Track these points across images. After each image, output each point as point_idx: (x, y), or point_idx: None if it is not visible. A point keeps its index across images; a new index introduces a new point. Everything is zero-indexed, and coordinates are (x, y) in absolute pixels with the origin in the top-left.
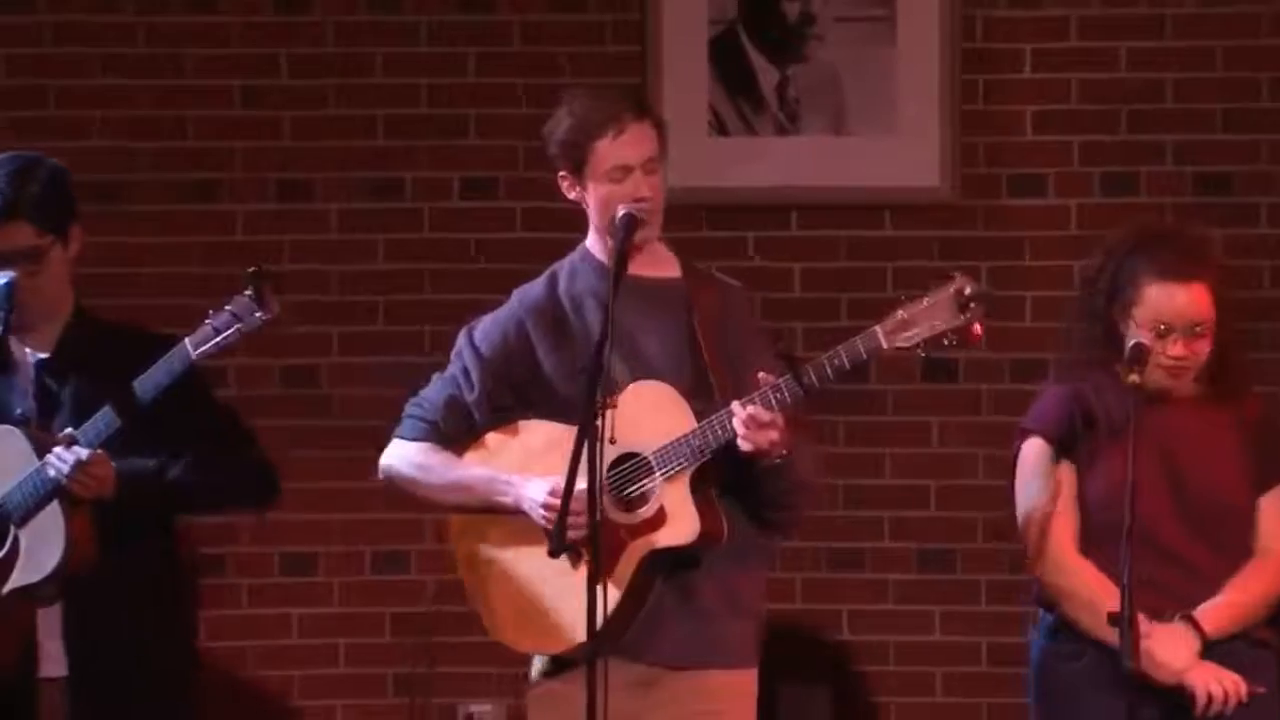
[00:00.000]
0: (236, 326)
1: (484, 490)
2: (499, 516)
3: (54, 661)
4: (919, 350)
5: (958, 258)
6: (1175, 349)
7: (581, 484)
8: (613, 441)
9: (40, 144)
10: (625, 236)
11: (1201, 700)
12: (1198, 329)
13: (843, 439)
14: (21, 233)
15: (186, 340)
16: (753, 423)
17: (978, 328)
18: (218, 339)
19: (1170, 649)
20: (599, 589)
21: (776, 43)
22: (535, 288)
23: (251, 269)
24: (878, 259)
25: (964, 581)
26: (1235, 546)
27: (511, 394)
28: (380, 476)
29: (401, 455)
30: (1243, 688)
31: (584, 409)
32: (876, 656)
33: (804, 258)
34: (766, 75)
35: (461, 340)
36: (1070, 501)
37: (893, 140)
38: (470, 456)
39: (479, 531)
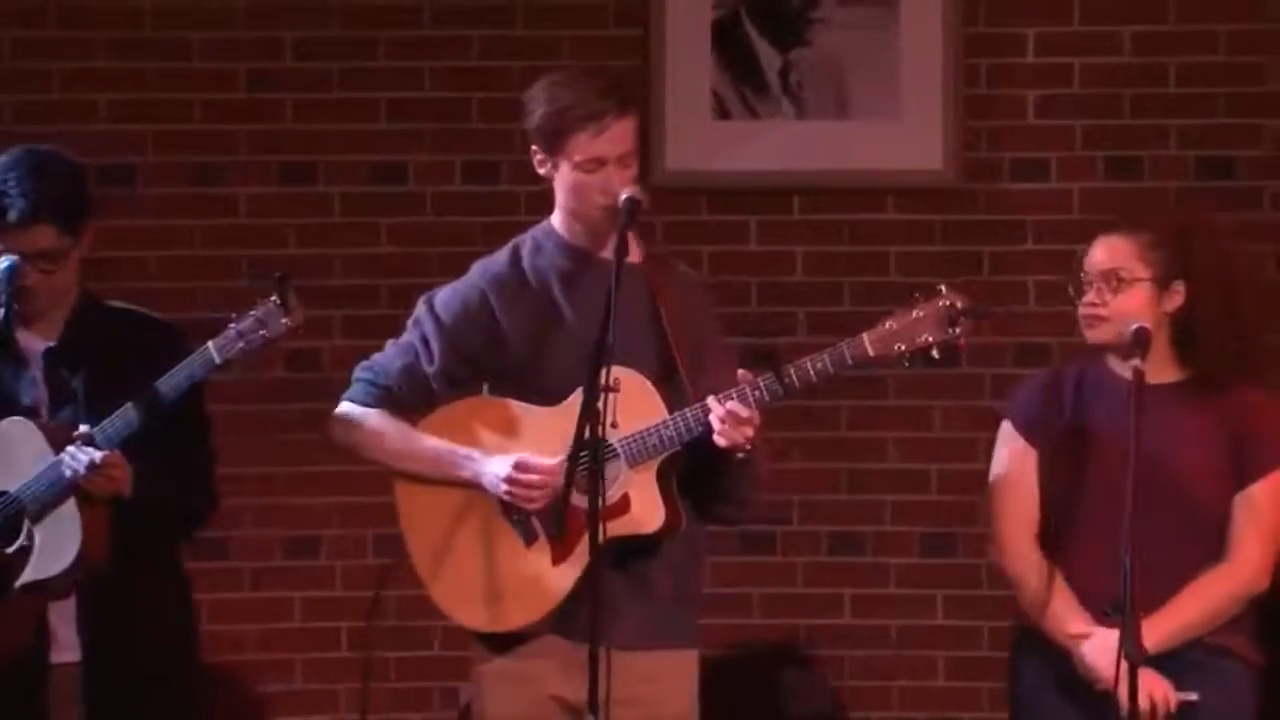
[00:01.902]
0: (261, 333)
1: (441, 461)
2: (451, 489)
3: (67, 648)
4: (904, 360)
5: (960, 242)
6: (1088, 297)
7: (545, 460)
8: (615, 425)
9: (45, 127)
10: (628, 222)
11: (1128, 708)
12: (1112, 281)
13: (844, 423)
14: (46, 235)
15: (210, 344)
16: (731, 418)
17: (963, 341)
18: (242, 343)
19: (1102, 657)
20: (597, 571)
21: (779, 26)
22: (498, 260)
23: (278, 274)
24: (880, 243)
25: (965, 565)
26: (1208, 539)
27: (469, 367)
28: (331, 438)
29: (352, 418)
30: (1172, 698)
31: (587, 396)
32: (878, 640)
33: (806, 242)
34: (769, 59)
35: (421, 309)
36: (1028, 490)
37: (895, 124)
38: (426, 428)
39: (428, 504)
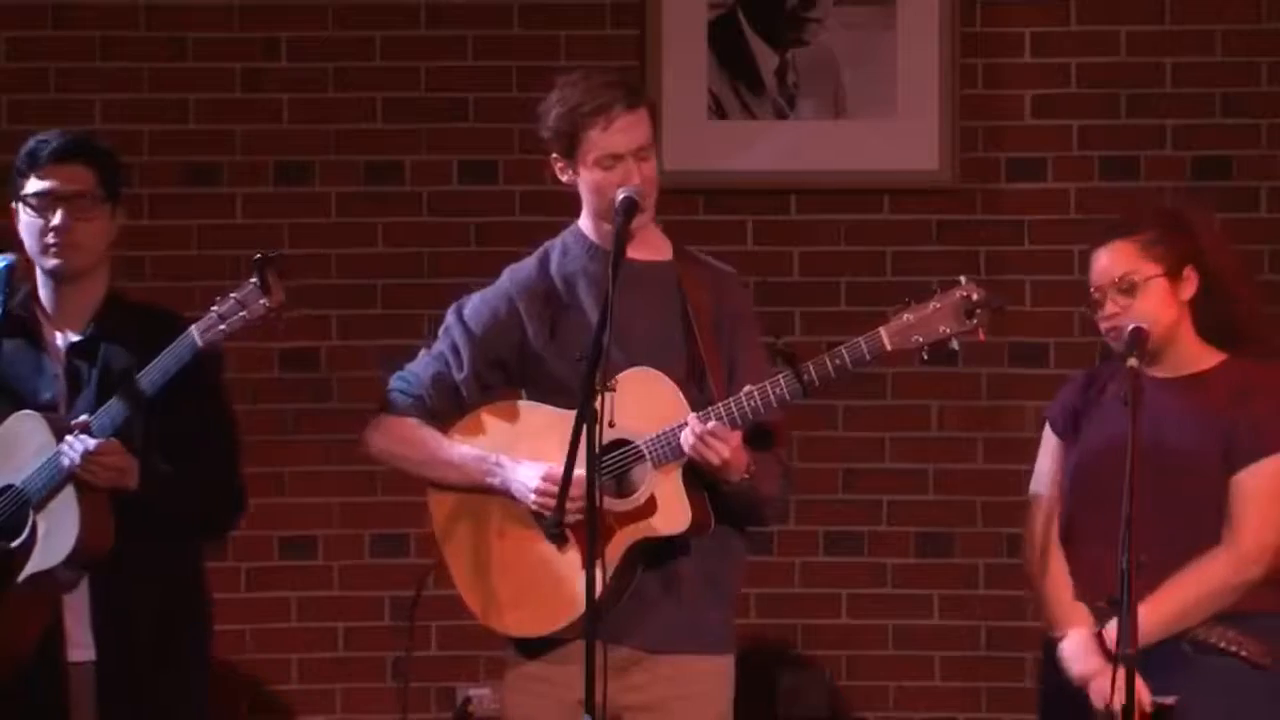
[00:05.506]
0: (241, 314)
1: (471, 470)
2: (483, 497)
3: (81, 646)
4: (922, 353)
5: (956, 242)
6: (1106, 310)
7: (577, 470)
8: (611, 425)
9: (40, 127)
10: (625, 220)
11: (1099, 709)
12: (1124, 286)
13: (842, 422)
14: (81, 176)
15: (193, 328)
16: (707, 435)
17: (982, 334)
18: (223, 326)
19: (1077, 655)
20: (592, 571)
21: (776, 26)
22: (526, 266)
23: (258, 255)
24: (876, 243)
25: (962, 565)
26: (1214, 526)
27: (499, 373)
28: (366, 449)
29: (387, 429)
30: (1146, 700)
31: (583, 393)
32: (875, 640)
33: (802, 242)
34: (765, 59)
35: (451, 317)
36: (1058, 488)
37: (892, 124)
38: (457, 435)
39: (461, 512)
